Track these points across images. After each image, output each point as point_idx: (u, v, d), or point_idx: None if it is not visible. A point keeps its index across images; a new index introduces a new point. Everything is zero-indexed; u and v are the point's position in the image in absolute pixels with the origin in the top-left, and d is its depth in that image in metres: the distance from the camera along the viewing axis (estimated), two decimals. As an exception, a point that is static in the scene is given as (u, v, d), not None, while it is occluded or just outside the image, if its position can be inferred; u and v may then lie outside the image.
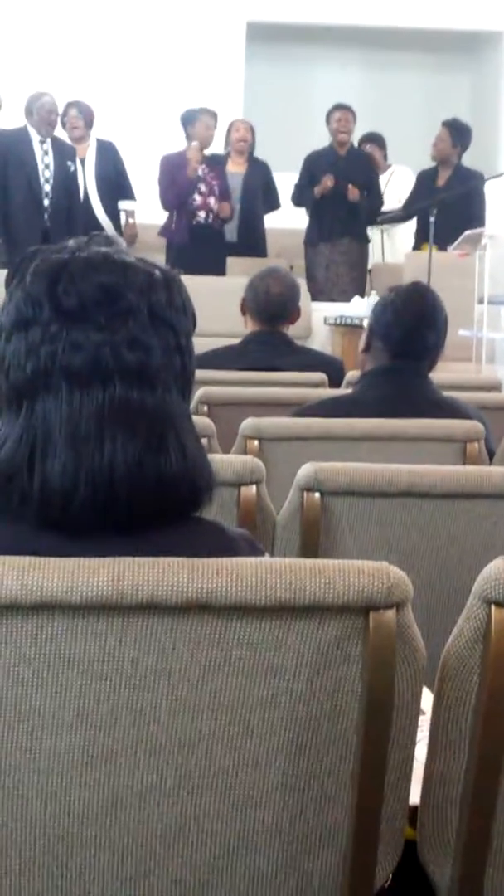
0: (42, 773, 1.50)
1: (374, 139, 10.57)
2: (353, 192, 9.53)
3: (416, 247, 9.72)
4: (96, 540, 1.53)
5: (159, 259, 8.93)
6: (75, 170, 9.44)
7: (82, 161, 9.51)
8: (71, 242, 1.61)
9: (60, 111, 9.55)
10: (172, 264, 9.05)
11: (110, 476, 1.52)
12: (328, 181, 9.49)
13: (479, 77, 13.05)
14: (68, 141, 9.58)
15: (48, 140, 9.36)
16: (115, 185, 9.61)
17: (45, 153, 9.34)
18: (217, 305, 5.49)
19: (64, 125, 9.59)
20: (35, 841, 1.52)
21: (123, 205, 9.69)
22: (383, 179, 10.41)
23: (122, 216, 9.73)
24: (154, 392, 1.56)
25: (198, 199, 9.21)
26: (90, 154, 9.57)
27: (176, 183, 9.23)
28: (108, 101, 10.63)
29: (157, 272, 1.61)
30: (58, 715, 1.48)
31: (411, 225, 10.03)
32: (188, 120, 9.49)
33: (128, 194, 9.71)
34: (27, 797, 1.51)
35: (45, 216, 9.29)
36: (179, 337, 1.60)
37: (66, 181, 9.36)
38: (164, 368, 1.57)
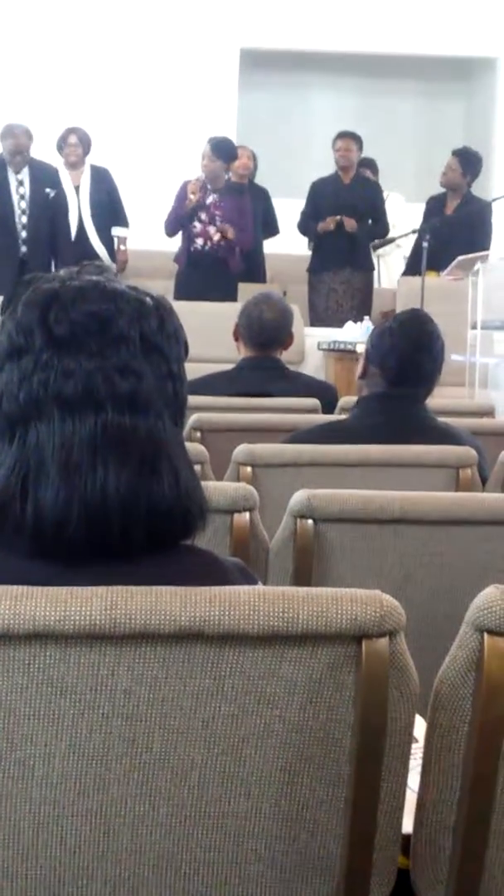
0: (34, 803, 1.50)
1: (368, 165, 10.59)
2: (349, 223, 9.54)
3: (414, 273, 9.73)
4: (90, 568, 1.53)
5: (160, 284, 8.97)
6: (58, 194, 9.44)
7: (77, 188, 9.53)
8: (62, 272, 1.62)
9: (54, 137, 9.57)
10: (177, 289, 9.12)
11: (103, 504, 1.52)
12: (331, 223, 9.50)
13: (473, 103, 13.10)
14: (50, 164, 9.56)
15: (24, 169, 9.37)
16: (109, 211, 9.61)
17: (20, 183, 9.36)
18: (220, 331, 5.48)
19: (61, 149, 9.59)
20: (27, 871, 1.52)
21: (116, 231, 9.71)
22: None
23: (115, 242, 9.74)
24: (146, 419, 1.56)
25: (198, 226, 9.22)
26: (84, 180, 9.58)
27: (175, 212, 9.25)
28: (103, 127, 10.65)
29: (149, 299, 1.61)
30: (50, 744, 1.48)
31: (405, 251, 10.04)
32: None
33: (121, 221, 9.72)
34: (19, 827, 1.50)
35: (22, 245, 9.30)
36: (171, 364, 1.61)
37: (45, 208, 9.36)
38: (157, 395, 1.58)
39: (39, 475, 1.53)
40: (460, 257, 8.05)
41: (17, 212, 9.33)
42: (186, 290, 9.12)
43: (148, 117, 11.44)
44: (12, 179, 9.35)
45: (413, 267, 9.61)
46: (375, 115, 12.51)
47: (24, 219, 9.33)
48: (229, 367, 4.86)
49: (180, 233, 9.34)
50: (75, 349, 1.55)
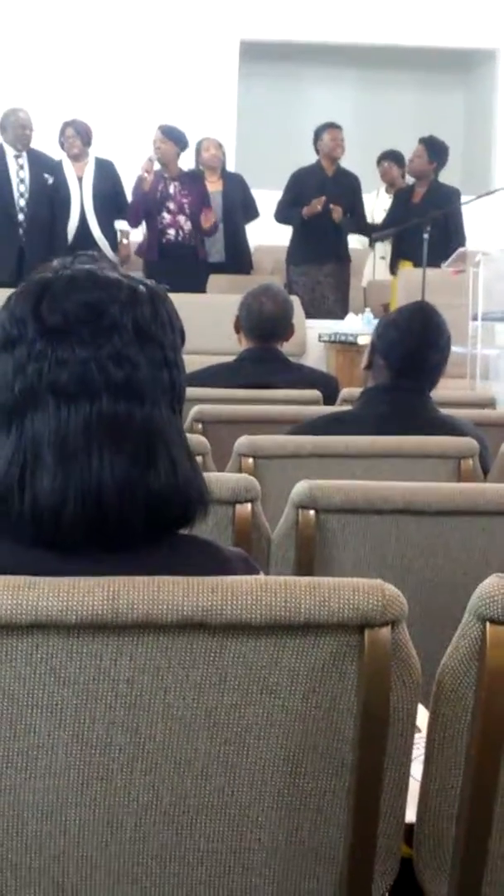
0: (38, 793, 1.50)
1: (393, 157, 10.59)
2: (337, 212, 9.53)
3: (393, 264, 9.73)
4: (91, 557, 1.53)
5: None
6: (60, 184, 9.45)
7: (80, 179, 9.53)
8: (56, 262, 1.63)
9: (55, 130, 9.58)
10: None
11: (98, 491, 1.53)
12: (318, 204, 9.47)
13: (472, 95, 13.09)
14: (63, 157, 9.60)
15: (24, 154, 9.39)
16: (113, 203, 9.61)
17: (21, 168, 9.37)
18: (197, 322, 5.47)
19: (62, 144, 9.62)
20: (31, 861, 1.52)
21: (119, 224, 9.70)
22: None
23: (118, 235, 9.74)
24: (142, 406, 1.56)
25: (167, 217, 9.21)
26: (88, 172, 9.58)
27: (136, 200, 9.25)
28: (102, 119, 10.64)
29: (142, 287, 1.61)
30: (53, 734, 1.48)
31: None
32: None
33: (124, 214, 9.72)
34: (23, 817, 1.51)
35: (21, 232, 9.31)
36: (166, 351, 1.61)
37: (43, 195, 9.37)
38: (152, 383, 1.58)
39: (36, 464, 1.54)
40: (460, 249, 8.05)
41: (17, 196, 9.34)
42: (161, 282, 9.05)
43: (148, 109, 11.41)
44: (12, 164, 9.36)
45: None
46: (375, 106, 12.51)
47: (23, 203, 9.33)
48: (211, 358, 4.86)
49: (142, 227, 9.34)
50: (68, 338, 1.55)
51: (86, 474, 1.53)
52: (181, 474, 1.58)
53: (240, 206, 9.82)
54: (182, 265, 9.14)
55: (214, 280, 9.44)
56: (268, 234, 10.17)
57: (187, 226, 9.19)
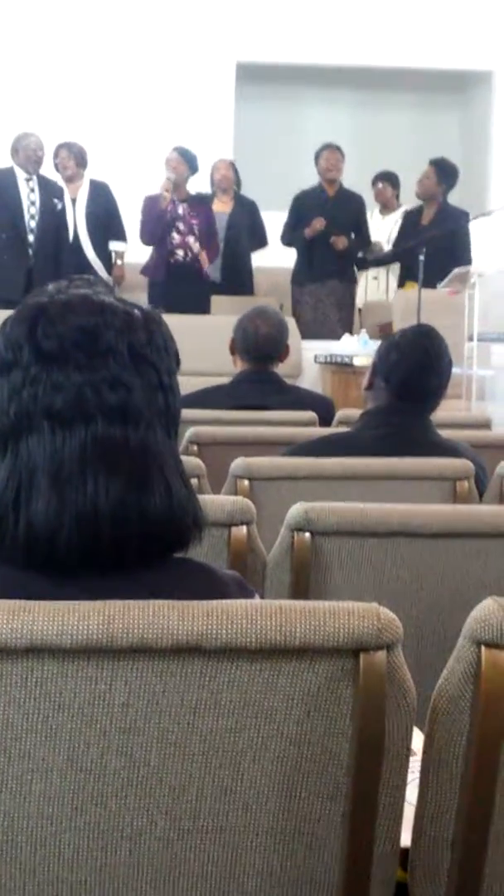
0: (32, 818, 1.50)
1: (388, 178, 10.61)
2: (341, 242, 9.55)
3: (400, 285, 9.75)
4: (85, 581, 1.53)
5: (141, 298, 8.97)
6: (63, 208, 9.49)
7: (73, 201, 9.55)
8: (51, 286, 1.63)
9: (51, 152, 9.62)
10: (151, 302, 9.13)
11: (94, 515, 1.53)
12: (318, 223, 9.51)
13: (468, 116, 13.12)
14: (59, 181, 9.64)
15: (34, 178, 9.44)
16: (106, 225, 9.63)
17: (31, 191, 9.41)
18: (200, 344, 5.49)
19: (56, 167, 9.65)
20: (24, 885, 1.52)
21: (114, 246, 9.72)
22: (392, 218, 10.45)
23: (112, 257, 9.75)
24: (137, 430, 1.57)
25: (176, 237, 9.24)
26: (82, 194, 9.61)
27: (151, 220, 9.27)
28: (98, 141, 10.68)
29: (137, 312, 1.62)
30: (48, 759, 1.48)
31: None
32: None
33: (119, 235, 9.73)
34: (17, 842, 1.50)
35: (31, 253, 9.34)
36: (161, 375, 1.61)
37: (52, 219, 9.41)
38: (147, 407, 1.58)
39: (31, 488, 1.54)
40: (456, 270, 8.07)
41: (27, 218, 9.37)
42: (164, 302, 9.11)
43: (144, 131, 11.45)
44: (23, 187, 9.39)
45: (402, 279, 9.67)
46: (371, 128, 12.53)
47: (33, 224, 9.37)
48: (211, 380, 4.86)
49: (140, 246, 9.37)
50: (64, 363, 1.55)
51: (80, 498, 1.53)
52: (176, 498, 1.59)
53: (245, 231, 9.84)
54: (188, 286, 9.17)
55: (216, 301, 9.45)
56: (265, 257, 10.18)
57: (196, 247, 9.22)
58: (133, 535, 1.54)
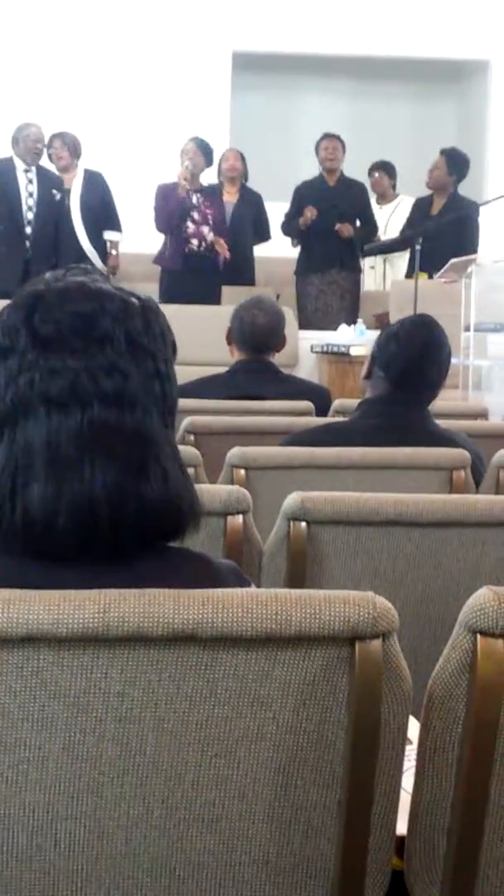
0: (28, 806, 1.50)
1: (384, 167, 10.60)
2: (346, 229, 9.53)
3: (409, 275, 9.73)
4: (81, 569, 1.53)
5: (153, 287, 8.95)
6: (61, 199, 9.48)
7: (68, 191, 9.54)
8: (48, 274, 1.64)
9: (46, 142, 9.60)
10: (165, 292, 9.13)
11: (90, 501, 1.53)
12: (309, 213, 9.50)
13: (465, 106, 13.11)
14: (55, 171, 9.63)
15: (33, 169, 9.43)
16: (101, 215, 9.61)
17: (30, 182, 9.40)
18: (210, 334, 5.48)
19: (50, 157, 9.63)
20: (21, 874, 1.52)
21: (108, 235, 9.71)
22: (388, 208, 10.44)
23: (107, 246, 9.74)
24: (134, 417, 1.57)
25: (191, 227, 9.23)
26: (76, 184, 9.58)
27: (168, 207, 9.24)
28: (95, 131, 10.67)
29: (134, 300, 1.62)
30: (44, 747, 1.48)
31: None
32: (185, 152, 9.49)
33: (113, 225, 9.71)
34: (12, 830, 1.50)
35: (27, 245, 9.32)
36: (158, 363, 1.61)
37: (50, 210, 9.40)
38: (144, 394, 1.58)
39: (28, 474, 1.54)
40: (453, 260, 8.06)
41: (25, 209, 9.35)
42: (176, 291, 9.10)
43: (140, 120, 11.44)
44: (22, 178, 9.38)
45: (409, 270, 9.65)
46: (368, 117, 12.52)
47: (31, 216, 9.36)
48: (221, 370, 4.86)
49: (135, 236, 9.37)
50: (60, 348, 1.56)
51: (77, 483, 1.53)
52: (172, 486, 1.59)
53: (249, 222, 9.84)
54: (201, 276, 9.17)
55: (234, 292, 9.45)
56: (262, 246, 10.17)
57: (210, 236, 9.21)
58: (130, 521, 1.54)
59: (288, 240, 10.00)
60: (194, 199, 9.25)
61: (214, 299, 9.21)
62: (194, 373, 4.86)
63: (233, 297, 8.39)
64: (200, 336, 6.19)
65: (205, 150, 9.38)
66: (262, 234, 10.04)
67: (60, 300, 1.58)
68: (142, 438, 1.57)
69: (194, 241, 9.24)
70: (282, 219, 9.88)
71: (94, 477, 1.53)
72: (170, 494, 1.58)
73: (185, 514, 1.61)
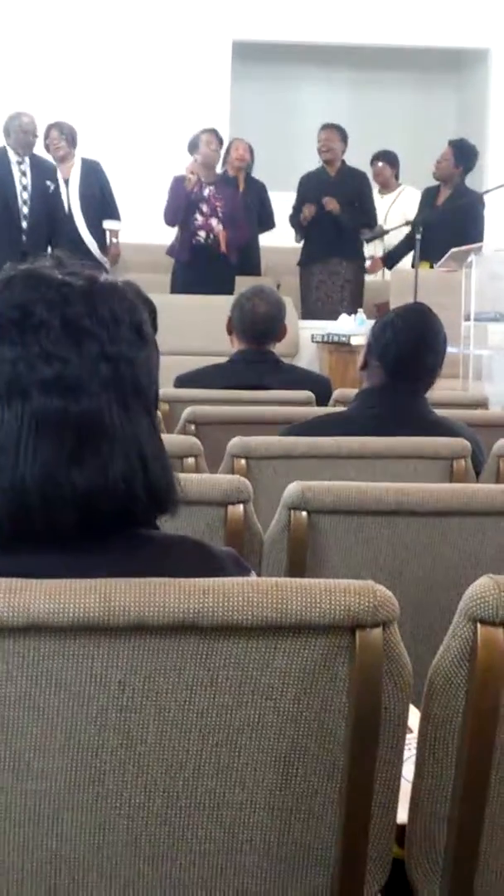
0: (30, 795, 1.50)
1: (386, 157, 10.57)
2: (331, 203, 9.50)
3: (413, 264, 9.71)
4: (52, 556, 1.53)
5: (159, 278, 8.93)
6: (56, 188, 9.46)
7: (66, 181, 9.53)
8: (7, 265, 1.63)
9: (42, 133, 9.58)
10: (180, 283, 9.13)
11: (22, 488, 1.52)
12: (307, 211, 9.51)
13: (465, 94, 13.10)
14: (50, 160, 9.60)
15: (26, 160, 9.40)
16: (100, 204, 9.60)
17: (23, 174, 9.38)
18: (218, 324, 5.47)
19: (47, 147, 9.61)
20: (23, 863, 1.52)
21: (108, 224, 9.70)
22: (390, 198, 10.41)
23: (107, 236, 9.73)
24: (79, 403, 1.55)
25: (199, 219, 9.22)
26: (74, 173, 9.57)
27: (177, 201, 9.24)
28: (95, 120, 10.67)
29: (81, 283, 1.60)
30: (46, 737, 1.48)
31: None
32: (194, 145, 9.47)
33: (112, 214, 9.70)
34: (15, 819, 1.51)
35: (23, 236, 9.31)
36: (105, 346, 1.59)
37: (45, 201, 9.38)
38: (88, 379, 1.57)
39: None
40: (454, 249, 8.06)
41: (20, 201, 9.35)
42: (186, 283, 9.11)
43: (140, 110, 11.43)
44: (16, 170, 9.36)
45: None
46: (368, 106, 12.51)
47: (26, 209, 9.34)
48: (224, 360, 4.87)
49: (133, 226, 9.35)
50: (0, 340, 1.56)
51: (9, 473, 1.53)
52: (117, 470, 1.57)
53: (255, 212, 9.84)
54: (210, 267, 9.16)
55: (239, 282, 9.44)
56: (264, 236, 10.16)
57: (218, 229, 9.21)
58: (66, 509, 1.54)
59: (287, 229, 9.98)
60: (206, 192, 9.23)
61: (227, 290, 9.20)
62: (201, 363, 4.87)
63: (239, 286, 8.39)
64: (207, 326, 6.19)
65: (220, 141, 9.40)
66: (267, 224, 10.04)
67: (2, 291, 1.59)
68: (86, 424, 1.55)
69: (202, 234, 9.24)
70: (282, 209, 9.86)
71: (26, 463, 1.53)
72: (108, 481, 1.56)
73: (141, 499, 1.59)
